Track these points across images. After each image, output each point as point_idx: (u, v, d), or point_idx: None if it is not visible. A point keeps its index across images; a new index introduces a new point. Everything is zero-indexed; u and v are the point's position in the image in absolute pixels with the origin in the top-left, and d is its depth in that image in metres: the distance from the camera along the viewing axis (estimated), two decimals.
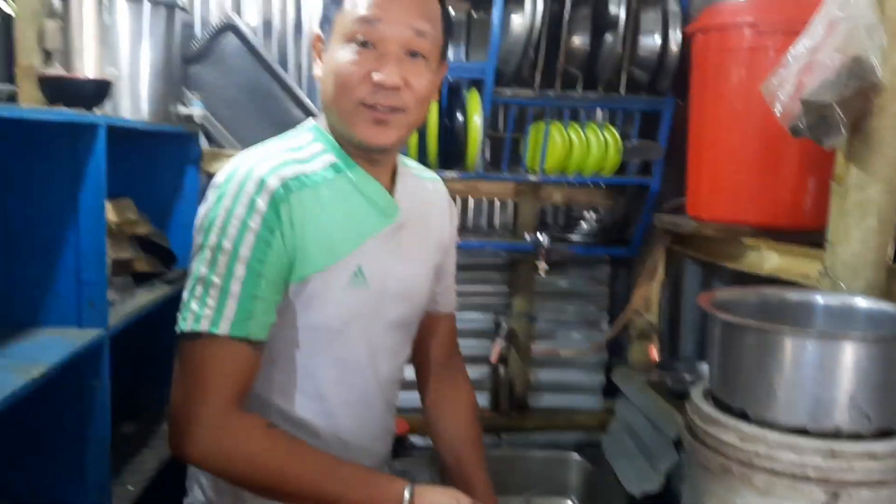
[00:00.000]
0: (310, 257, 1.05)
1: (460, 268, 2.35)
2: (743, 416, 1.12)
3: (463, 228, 2.49)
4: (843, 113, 1.28)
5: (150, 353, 2.08)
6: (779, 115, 1.38)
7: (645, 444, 2.06)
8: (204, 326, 1.00)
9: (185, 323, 1.02)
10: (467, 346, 2.42)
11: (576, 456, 2.34)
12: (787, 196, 1.79)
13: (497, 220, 2.52)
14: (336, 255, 1.08)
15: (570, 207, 2.52)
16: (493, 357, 2.35)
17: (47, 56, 1.83)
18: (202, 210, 1.06)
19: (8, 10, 1.22)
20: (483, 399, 2.47)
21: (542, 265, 2.21)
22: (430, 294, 1.27)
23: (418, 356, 1.34)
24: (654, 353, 2.32)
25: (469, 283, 2.45)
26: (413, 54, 1.06)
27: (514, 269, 2.45)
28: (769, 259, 1.77)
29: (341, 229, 1.09)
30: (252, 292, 1.01)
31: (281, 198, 1.02)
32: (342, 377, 1.15)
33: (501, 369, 2.45)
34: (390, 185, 1.17)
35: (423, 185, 1.27)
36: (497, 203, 2.51)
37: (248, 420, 1.04)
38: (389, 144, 1.10)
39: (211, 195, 1.06)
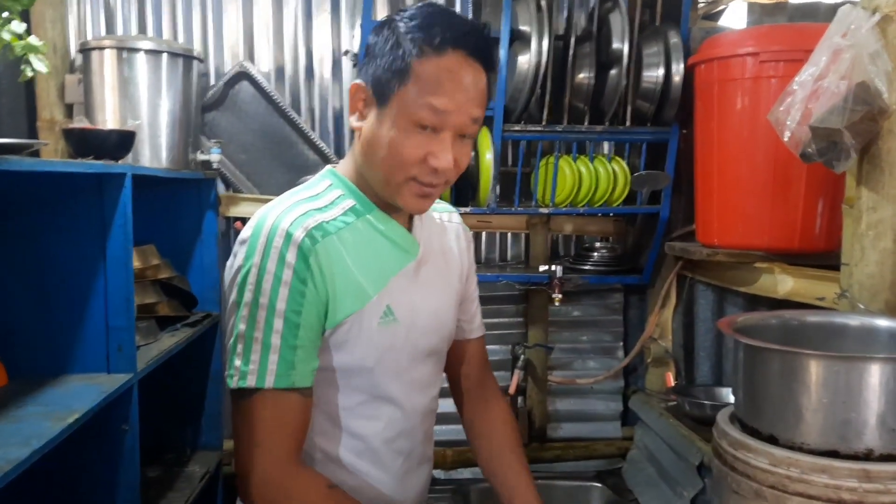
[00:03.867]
0: (341, 302, 1.09)
1: None
2: (772, 440, 1.13)
3: (477, 262, 2.51)
4: (853, 137, 1.32)
5: (174, 396, 2.10)
6: (787, 141, 1.41)
7: (667, 470, 2.06)
8: (251, 382, 1.04)
9: (231, 380, 1.05)
10: None
11: (598, 485, 2.33)
12: (797, 219, 1.82)
13: (510, 253, 2.55)
14: (365, 296, 1.11)
15: (582, 238, 2.55)
16: (512, 388, 2.36)
17: (68, 110, 1.88)
18: (233, 266, 1.09)
19: (40, 67, 1.26)
20: None
21: (557, 295, 2.23)
22: (455, 322, 1.30)
23: (453, 383, 1.37)
24: (671, 379, 2.33)
25: (485, 315, 2.43)
26: (464, 136, 1.10)
27: (528, 301, 2.47)
28: (784, 282, 1.79)
29: (367, 271, 1.12)
30: (292, 343, 1.04)
31: (308, 248, 1.05)
32: (379, 413, 1.17)
33: (520, 401, 2.45)
34: (408, 223, 1.21)
35: (438, 218, 1.30)
36: (510, 236, 2.54)
37: (309, 479, 1.08)
38: (427, 209, 1.16)
39: (240, 252, 1.08)
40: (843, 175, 1.45)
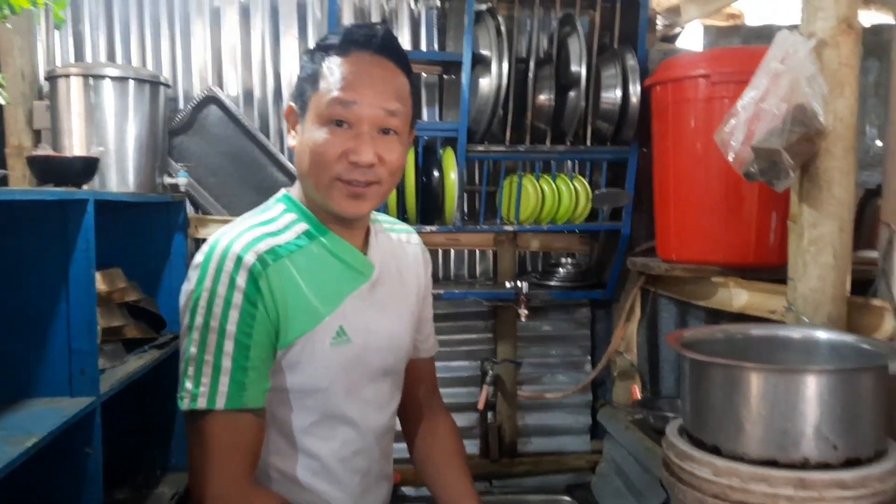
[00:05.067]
0: (292, 323, 1.11)
1: (445, 317, 2.47)
2: (715, 450, 1.17)
3: (445, 279, 2.55)
4: (791, 157, 1.37)
5: (142, 418, 2.11)
6: (732, 161, 1.46)
7: (633, 483, 2.09)
8: (201, 404, 1.06)
9: (182, 402, 1.08)
10: (455, 394, 2.50)
11: (566, 499, 2.36)
12: (751, 235, 1.87)
13: (478, 269, 2.59)
14: (317, 317, 1.14)
15: (549, 254, 2.59)
16: (481, 404, 2.39)
17: (37, 136, 1.90)
18: (186, 291, 1.12)
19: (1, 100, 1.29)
20: (473, 446, 2.50)
21: (523, 311, 2.26)
22: (411, 341, 1.33)
23: (402, 400, 1.39)
24: (637, 392, 2.37)
25: (454, 332, 2.50)
26: (385, 131, 1.13)
27: (497, 317, 2.51)
28: (738, 296, 1.84)
29: (320, 293, 1.15)
30: (244, 364, 1.07)
31: (259, 272, 1.08)
32: (334, 433, 1.19)
33: (490, 416, 2.48)
34: (364, 244, 1.24)
35: (396, 239, 1.33)
36: (478, 253, 2.58)
37: (263, 498, 1.10)
38: (364, 214, 1.18)
39: (192, 275, 1.11)
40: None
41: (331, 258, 1.18)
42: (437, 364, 1.47)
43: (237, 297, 1.07)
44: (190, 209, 2.33)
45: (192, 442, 1.09)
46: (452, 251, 2.55)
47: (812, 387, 1.11)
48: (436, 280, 2.54)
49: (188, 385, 1.07)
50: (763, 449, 1.12)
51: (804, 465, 1.10)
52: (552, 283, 2.38)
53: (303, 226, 1.18)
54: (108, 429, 1.53)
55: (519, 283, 2.26)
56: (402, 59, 1.15)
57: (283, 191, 1.25)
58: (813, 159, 1.40)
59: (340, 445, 1.20)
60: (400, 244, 1.34)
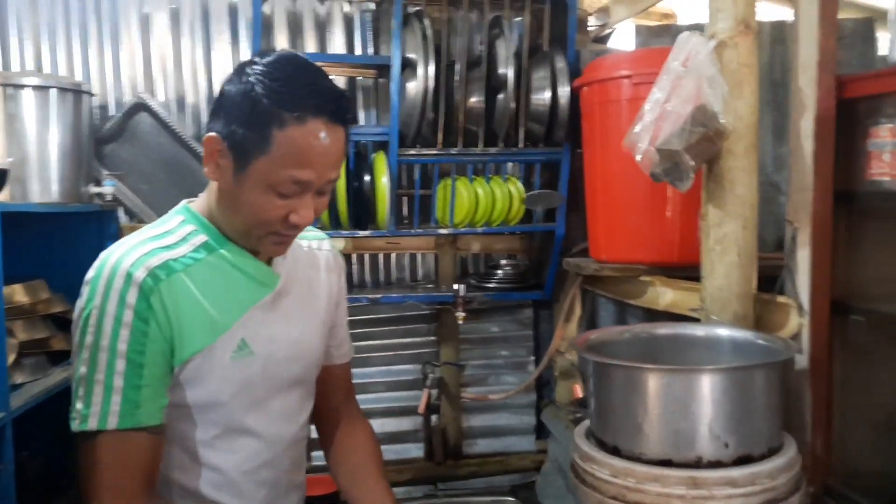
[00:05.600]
0: (188, 339, 1.09)
1: (387, 321, 2.46)
2: (615, 451, 1.18)
3: (386, 283, 2.55)
4: (692, 157, 1.38)
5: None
6: (640, 162, 1.47)
7: None
8: (92, 425, 1.03)
9: (73, 423, 1.05)
10: (398, 397, 2.50)
11: (510, 499, 2.37)
12: (675, 235, 1.89)
13: (420, 273, 2.59)
14: (216, 331, 1.12)
15: (491, 256, 2.60)
16: (421, 407, 2.39)
17: None
18: (77, 308, 1.09)
19: None
20: (417, 450, 2.50)
21: (460, 313, 2.27)
22: (323, 350, 1.31)
23: (317, 407, 1.37)
24: (578, 391, 2.38)
25: (396, 335, 2.50)
26: (323, 192, 1.12)
27: (439, 320, 2.51)
28: (664, 295, 1.86)
29: (219, 306, 1.12)
30: (135, 383, 1.05)
31: (150, 288, 1.06)
32: (238, 447, 1.17)
33: (434, 419, 2.48)
34: (267, 255, 1.22)
35: (306, 246, 1.31)
36: (419, 256, 2.58)
37: None
38: (285, 252, 1.18)
39: (84, 292, 1.08)
40: None
41: (231, 270, 1.16)
42: (380, 368, 1.47)
43: (127, 315, 1.05)
44: (124, 218, 2.31)
45: (83, 463, 1.06)
46: (393, 255, 2.55)
47: (704, 386, 1.12)
48: (375, 284, 2.54)
49: (78, 405, 1.05)
50: (659, 448, 1.13)
51: (697, 463, 1.11)
52: (491, 285, 2.39)
53: (201, 238, 1.15)
54: (37, 440, 1.50)
55: (456, 286, 2.26)
56: (349, 120, 1.11)
57: (183, 202, 1.22)
58: (716, 159, 1.42)
59: (244, 458, 1.18)
60: (310, 251, 1.33)
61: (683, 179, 1.40)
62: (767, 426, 1.16)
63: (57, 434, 1.65)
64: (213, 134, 1.09)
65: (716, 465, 1.11)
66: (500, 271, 2.42)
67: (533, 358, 2.61)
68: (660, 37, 2.37)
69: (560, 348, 2.43)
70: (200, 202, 1.20)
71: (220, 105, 1.10)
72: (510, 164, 2.45)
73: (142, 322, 1.05)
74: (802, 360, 1.41)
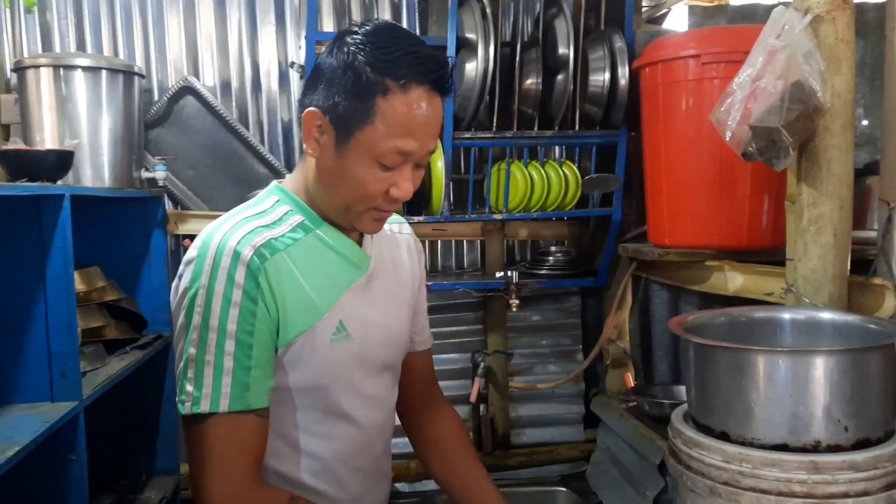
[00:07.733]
0: (293, 319, 1.07)
1: (435, 309, 2.42)
2: (723, 436, 1.14)
3: (433, 270, 2.51)
4: (790, 135, 1.34)
5: (126, 421, 2.05)
6: (729, 141, 1.44)
7: (629, 471, 2.07)
8: (204, 408, 1.01)
9: (184, 406, 1.03)
10: (447, 387, 2.45)
11: (562, 489, 2.33)
12: (744, 217, 1.85)
13: (466, 260, 2.55)
14: (317, 313, 1.10)
15: (538, 242, 2.56)
16: (473, 396, 2.35)
17: (6, 131, 1.83)
18: (179, 288, 1.06)
19: None
20: None
21: (514, 301, 2.23)
22: (409, 335, 1.29)
23: (401, 395, 1.35)
24: (630, 380, 2.35)
25: (443, 323, 2.46)
26: (420, 166, 1.10)
27: (486, 307, 2.47)
28: (733, 279, 1.82)
29: (318, 287, 1.10)
30: (247, 364, 1.02)
31: (257, 267, 1.03)
32: (335, 431, 1.15)
33: (482, 408, 2.45)
34: (359, 237, 1.19)
35: (388, 229, 1.29)
36: (465, 243, 2.54)
37: (270, 495, 1.06)
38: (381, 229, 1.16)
39: (186, 273, 1.06)
40: (786, 172, 1.48)
41: (327, 251, 1.13)
42: None
43: (236, 294, 1.02)
44: (168, 204, 2.26)
45: (193, 447, 1.04)
46: (440, 242, 2.51)
47: (821, 368, 1.09)
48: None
49: (189, 388, 1.02)
50: (773, 433, 1.10)
51: (815, 448, 1.08)
52: (542, 272, 2.35)
53: (297, 217, 1.13)
54: (91, 433, 1.47)
55: (509, 273, 2.22)
56: (449, 90, 1.08)
57: (274, 183, 1.19)
58: (811, 137, 1.38)
59: (342, 444, 1.17)
60: (392, 235, 1.30)
61: (780, 158, 1.36)
62: (883, 410, 1.13)
63: (101, 427, 1.62)
64: (313, 108, 1.06)
65: (834, 449, 1.08)
66: (550, 258, 2.37)
67: (580, 346, 2.57)
68: (714, 18, 2.33)
69: (611, 336, 2.39)
70: (292, 182, 1.18)
71: (318, 78, 1.07)
72: (559, 148, 2.41)
73: (250, 301, 1.03)
74: None
